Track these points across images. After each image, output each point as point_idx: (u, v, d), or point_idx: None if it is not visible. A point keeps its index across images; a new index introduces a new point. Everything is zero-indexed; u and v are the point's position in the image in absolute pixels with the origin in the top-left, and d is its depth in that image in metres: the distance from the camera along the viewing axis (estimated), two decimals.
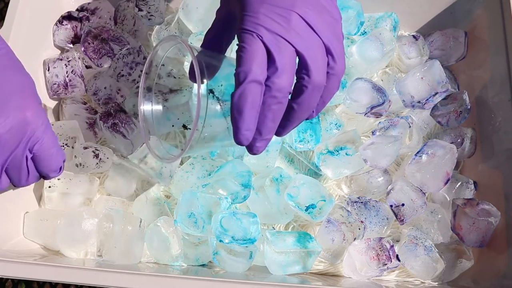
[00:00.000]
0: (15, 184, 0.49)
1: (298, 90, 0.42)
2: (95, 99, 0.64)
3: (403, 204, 0.57)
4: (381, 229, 0.58)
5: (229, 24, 0.47)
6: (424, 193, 0.57)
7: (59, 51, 0.68)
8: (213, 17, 0.62)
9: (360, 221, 0.56)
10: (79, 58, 0.65)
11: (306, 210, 0.56)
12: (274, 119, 0.42)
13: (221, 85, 0.48)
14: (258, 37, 0.41)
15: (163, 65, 0.54)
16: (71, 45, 0.67)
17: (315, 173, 0.62)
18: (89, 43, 0.64)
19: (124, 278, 0.46)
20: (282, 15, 0.41)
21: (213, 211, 0.54)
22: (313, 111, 0.46)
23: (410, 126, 0.60)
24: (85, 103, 0.64)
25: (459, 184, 0.60)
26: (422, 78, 0.60)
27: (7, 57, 0.48)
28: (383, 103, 0.59)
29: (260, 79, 0.40)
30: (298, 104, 0.43)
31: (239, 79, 0.40)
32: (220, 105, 0.48)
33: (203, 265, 0.58)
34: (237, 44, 0.42)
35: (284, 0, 0.42)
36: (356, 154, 0.59)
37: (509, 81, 0.58)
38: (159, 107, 0.56)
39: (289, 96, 0.43)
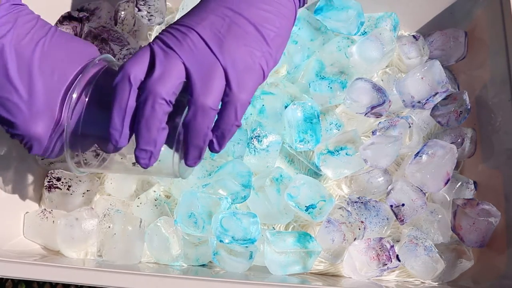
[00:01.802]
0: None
1: (187, 110, 0.41)
2: None
3: (403, 204, 0.57)
4: (381, 229, 0.58)
5: None
6: (424, 193, 0.57)
7: None
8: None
9: (360, 221, 0.56)
10: None
11: (306, 210, 0.56)
12: (148, 127, 0.40)
13: None
14: (150, 46, 0.42)
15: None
16: None
17: (315, 173, 0.62)
18: None
19: (124, 278, 0.46)
20: (182, 31, 0.42)
21: (213, 211, 0.54)
22: (212, 140, 0.43)
23: (410, 126, 0.60)
24: None
25: (459, 184, 0.60)
26: (422, 78, 0.60)
27: (57, 32, 0.47)
28: (383, 103, 0.59)
29: (130, 75, 0.40)
30: (185, 126, 0.41)
31: (116, 78, 0.41)
32: None
33: (203, 265, 0.58)
34: None
35: (191, 20, 0.42)
36: (356, 154, 0.59)
37: (509, 81, 0.58)
38: None
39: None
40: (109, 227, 0.54)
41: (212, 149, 0.43)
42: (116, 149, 0.42)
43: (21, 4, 0.47)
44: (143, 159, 0.41)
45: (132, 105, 0.40)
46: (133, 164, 0.46)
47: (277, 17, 0.44)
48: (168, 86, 0.40)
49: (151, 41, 0.42)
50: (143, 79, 0.40)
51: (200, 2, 0.45)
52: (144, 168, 0.42)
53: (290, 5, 0.46)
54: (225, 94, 0.41)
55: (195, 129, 0.41)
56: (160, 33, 0.43)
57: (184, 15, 0.44)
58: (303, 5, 0.48)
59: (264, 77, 0.43)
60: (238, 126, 0.42)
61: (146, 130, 0.40)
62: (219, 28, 0.42)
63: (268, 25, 0.43)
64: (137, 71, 0.40)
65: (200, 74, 0.40)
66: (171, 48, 0.41)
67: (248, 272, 0.55)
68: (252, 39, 0.42)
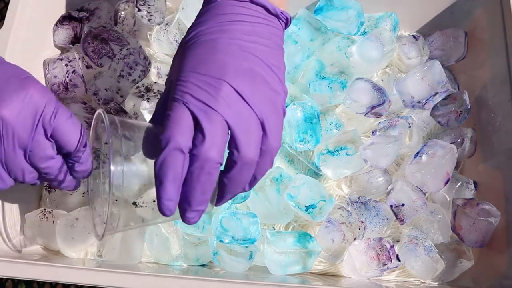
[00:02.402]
0: (43, 170, 0.45)
1: (228, 165, 0.40)
2: (95, 99, 0.64)
3: (403, 204, 0.57)
4: (381, 229, 0.58)
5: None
6: (424, 193, 0.57)
7: (59, 51, 0.68)
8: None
9: (360, 221, 0.56)
10: (79, 58, 0.65)
11: (306, 210, 0.56)
12: (203, 191, 0.39)
13: None
14: (184, 104, 0.39)
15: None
16: (71, 45, 0.67)
17: (315, 173, 0.62)
18: (89, 43, 0.64)
19: (124, 278, 0.46)
20: (211, 83, 0.39)
21: (213, 211, 0.54)
22: (246, 186, 0.43)
23: (410, 126, 0.60)
24: (85, 103, 0.64)
25: (459, 184, 0.60)
26: (422, 78, 0.60)
27: None
28: (383, 103, 0.59)
29: (182, 146, 0.38)
30: (229, 179, 0.40)
31: (160, 147, 0.38)
32: None
33: (203, 265, 0.58)
34: None
35: (214, 69, 0.40)
36: (356, 154, 0.59)
37: (509, 81, 0.58)
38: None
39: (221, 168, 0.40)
40: None
41: (243, 191, 0.43)
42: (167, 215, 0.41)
43: None
44: (193, 218, 0.41)
45: (184, 174, 0.39)
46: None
47: (278, 50, 0.43)
48: (221, 150, 0.39)
49: (178, 96, 0.39)
50: (191, 146, 0.39)
51: (203, 41, 0.42)
52: (189, 224, 0.42)
53: (281, 34, 0.45)
54: (262, 143, 0.41)
55: (239, 181, 0.41)
56: (183, 85, 0.40)
57: (196, 58, 0.41)
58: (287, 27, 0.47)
59: (284, 116, 0.43)
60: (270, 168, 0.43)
61: (201, 194, 0.39)
62: (244, 74, 0.40)
63: (275, 62, 0.42)
64: (186, 140, 0.38)
65: (241, 129, 0.39)
66: (209, 106, 0.39)
67: (248, 272, 0.55)
68: (272, 81, 0.41)
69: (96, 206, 0.50)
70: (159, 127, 0.42)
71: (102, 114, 0.42)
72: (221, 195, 0.42)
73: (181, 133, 0.38)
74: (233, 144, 0.39)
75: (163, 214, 0.39)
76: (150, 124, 0.45)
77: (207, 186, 0.39)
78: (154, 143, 0.40)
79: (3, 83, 0.42)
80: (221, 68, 0.40)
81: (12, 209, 0.57)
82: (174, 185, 0.38)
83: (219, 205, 0.44)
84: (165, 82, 0.46)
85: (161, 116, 0.43)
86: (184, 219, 0.41)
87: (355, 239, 0.55)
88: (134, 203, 0.43)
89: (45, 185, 0.59)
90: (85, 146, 0.46)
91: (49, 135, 0.43)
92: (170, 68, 0.45)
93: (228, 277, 0.49)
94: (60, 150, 0.45)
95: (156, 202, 0.39)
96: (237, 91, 0.39)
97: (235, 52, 0.41)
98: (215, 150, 0.38)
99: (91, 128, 0.47)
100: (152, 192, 0.42)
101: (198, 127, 0.38)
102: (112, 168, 0.40)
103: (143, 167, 0.44)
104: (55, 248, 0.58)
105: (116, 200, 0.41)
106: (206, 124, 0.38)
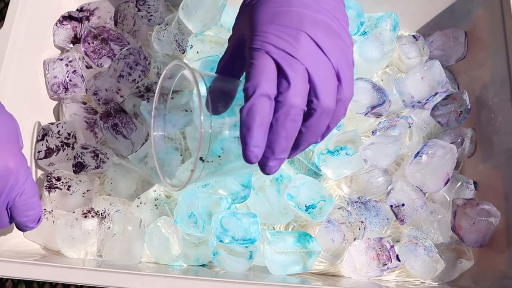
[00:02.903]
0: None
1: (307, 114, 0.41)
2: (95, 99, 0.64)
3: (403, 204, 0.57)
4: (381, 229, 0.58)
5: (241, 51, 0.45)
6: (424, 193, 0.57)
7: (59, 51, 0.68)
8: (213, 17, 0.62)
9: (360, 221, 0.56)
10: (79, 58, 0.65)
11: (306, 210, 0.56)
12: (287, 137, 0.40)
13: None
14: (267, 53, 0.40)
15: (172, 97, 0.52)
16: (71, 45, 0.67)
17: (315, 173, 0.62)
18: (89, 43, 0.64)
19: (124, 278, 0.46)
20: (291, 34, 0.40)
21: (213, 211, 0.54)
22: (319, 138, 0.44)
23: (410, 126, 0.60)
24: (85, 103, 0.64)
25: (459, 184, 0.60)
26: (422, 78, 0.60)
27: None
28: (383, 103, 0.59)
29: (269, 93, 0.39)
30: (307, 128, 0.41)
31: (247, 94, 0.39)
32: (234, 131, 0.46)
33: (203, 265, 0.58)
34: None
35: (292, 20, 0.41)
36: (356, 154, 0.59)
37: (509, 81, 0.58)
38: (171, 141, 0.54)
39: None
40: (109, 227, 0.54)
41: (315, 143, 0.45)
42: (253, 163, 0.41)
43: None
44: (275, 167, 0.42)
45: (270, 119, 0.40)
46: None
47: (341, 4, 0.44)
48: (304, 97, 0.40)
49: (258, 46, 0.40)
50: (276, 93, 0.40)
51: None
52: (268, 175, 0.43)
53: None
54: (337, 92, 0.42)
55: (316, 129, 0.42)
56: (263, 36, 0.41)
57: (271, 11, 0.42)
58: None
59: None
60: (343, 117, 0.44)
61: (285, 141, 0.40)
62: (320, 26, 0.41)
63: (342, 15, 0.43)
64: (272, 87, 0.39)
65: (320, 78, 0.40)
66: (290, 55, 0.40)
67: (248, 272, 0.55)
68: (342, 34, 0.42)
69: (160, 155, 0.51)
70: (229, 78, 0.45)
71: (186, 65, 0.44)
72: (296, 145, 0.43)
73: (267, 80, 0.39)
74: (312, 92, 0.40)
75: (249, 161, 0.40)
76: (220, 76, 0.47)
77: (291, 133, 0.40)
78: (223, 96, 0.42)
79: None
80: (298, 19, 0.41)
81: None
82: (261, 130, 0.39)
83: (292, 157, 0.44)
84: (228, 39, 0.47)
85: (228, 72, 0.47)
86: (266, 168, 0.41)
87: (355, 239, 0.55)
88: (201, 159, 0.44)
89: (45, 185, 0.59)
90: (38, 222, 0.49)
91: (7, 207, 0.45)
92: (235, 26, 0.46)
93: (228, 277, 0.49)
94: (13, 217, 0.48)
95: (221, 158, 0.41)
96: (315, 42, 0.40)
97: (309, 4, 0.42)
98: (299, 97, 0.39)
99: (161, 78, 0.49)
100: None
101: (281, 75, 0.39)
102: (202, 118, 0.41)
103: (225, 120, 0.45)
104: (55, 248, 0.57)
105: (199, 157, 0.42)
106: (290, 71, 0.39)
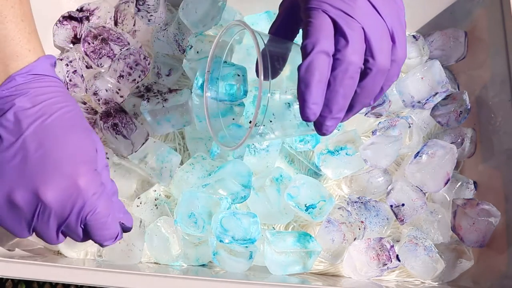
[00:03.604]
0: (73, 239, 0.47)
1: (362, 73, 0.41)
2: (95, 99, 0.64)
3: (403, 204, 0.57)
4: (381, 229, 0.58)
5: (293, 15, 0.46)
6: (424, 193, 0.57)
7: (59, 51, 0.68)
8: (213, 17, 0.62)
9: (360, 221, 0.56)
10: (79, 58, 0.65)
11: (306, 210, 0.56)
12: (345, 95, 0.41)
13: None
14: (324, 12, 0.40)
15: (231, 51, 0.53)
16: (71, 45, 0.67)
17: (315, 173, 0.62)
18: (89, 43, 0.64)
19: (124, 278, 0.46)
20: None
21: (213, 211, 0.54)
22: (372, 99, 0.44)
23: (410, 126, 0.60)
24: (85, 103, 0.64)
25: (459, 184, 0.60)
26: (422, 78, 0.60)
27: (68, 116, 0.45)
28: (383, 103, 0.59)
29: (327, 50, 0.39)
30: (362, 88, 0.42)
31: (306, 51, 0.39)
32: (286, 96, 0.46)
33: (203, 265, 0.57)
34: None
35: None
36: (356, 154, 0.59)
37: (509, 81, 0.58)
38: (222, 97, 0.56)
39: None
40: None
41: (367, 106, 0.45)
42: (310, 120, 0.42)
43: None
44: (331, 126, 0.42)
45: (328, 76, 0.40)
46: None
47: None
48: (362, 55, 0.40)
49: (315, 5, 0.41)
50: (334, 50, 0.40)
51: None
52: (324, 135, 0.43)
53: None
54: (392, 53, 0.42)
55: (371, 89, 0.42)
56: None
57: None
58: None
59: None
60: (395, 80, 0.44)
61: (343, 99, 0.41)
62: None
63: None
64: (330, 45, 0.40)
65: (376, 37, 0.41)
66: (347, 14, 0.40)
67: (248, 272, 0.55)
68: None
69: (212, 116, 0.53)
70: (283, 40, 0.46)
71: (245, 24, 0.45)
72: (350, 106, 0.43)
73: (325, 37, 0.39)
74: (368, 52, 0.41)
75: (307, 118, 0.40)
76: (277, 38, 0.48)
77: (348, 91, 0.41)
78: (278, 58, 0.43)
79: (57, 161, 0.42)
80: None
81: None
82: (320, 87, 0.40)
83: (345, 120, 0.45)
84: (279, 4, 0.47)
85: (283, 31, 0.47)
86: (323, 128, 0.42)
87: (355, 239, 0.55)
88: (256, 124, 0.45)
89: None
90: (115, 239, 0.47)
91: (81, 225, 0.44)
92: None
93: (228, 277, 0.49)
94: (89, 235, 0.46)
95: (273, 122, 0.43)
96: (370, 2, 0.41)
97: None
98: (357, 55, 0.40)
99: (217, 37, 0.50)
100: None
101: (339, 33, 0.40)
102: (261, 78, 0.42)
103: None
104: (55, 248, 0.58)
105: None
106: (348, 29, 0.39)
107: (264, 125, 0.46)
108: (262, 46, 0.43)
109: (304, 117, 0.41)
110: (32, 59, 0.45)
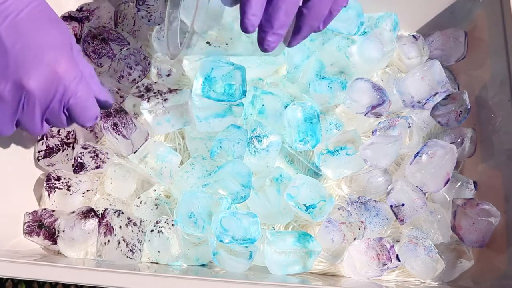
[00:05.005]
0: (57, 127, 0.50)
1: None
2: None
3: (403, 204, 0.57)
4: (381, 229, 0.58)
5: None
6: (424, 193, 0.57)
7: None
8: (213, 16, 0.62)
9: (360, 221, 0.56)
10: None
11: (306, 210, 0.56)
12: (287, 12, 0.41)
13: None
14: None
15: None
16: None
17: (315, 173, 0.62)
18: (89, 43, 0.64)
19: (124, 278, 0.46)
20: None
21: (213, 211, 0.54)
22: (321, 23, 0.45)
23: (410, 126, 0.60)
24: None
25: (459, 184, 0.60)
26: (422, 78, 0.60)
27: (38, 9, 0.46)
28: (383, 103, 0.59)
29: None
30: (308, 9, 0.42)
31: None
32: None
33: (203, 265, 0.58)
34: None
35: None
36: (356, 154, 0.59)
37: (509, 81, 0.58)
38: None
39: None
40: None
41: (316, 30, 0.45)
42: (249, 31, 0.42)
43: None
44: (273, 42, 0.43)
45: None
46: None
47: None
48: None
49: None
50: None
51: None
52: (266, 52, 0.44)
53: None
54: None
55: (318, 11, 0.42)
56: None
57: None
58: None
59: None
60: (345, 6, 0.45)
61: (284, 15, 0.41)
62: None
63: None
64: None
65: None
66: None
67: (248, 272, 0.55)
68: None
69: (172, 29, 0.54)
70: None
71: None
72: (297, 30, 0.44)
73: None
74: None
75: (246, 29, 0.41)
76: None
77: (290, 8, 0.41)
78: None
79: (36, 51, 0.44)
80: None
81: (12, 209, 0.57)
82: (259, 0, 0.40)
83: (293, 44, 0.45)
84: None
85: None
86: (264, 43, 0.43)
87: (355, 239, 0.55)
88: (208, 43, 0.46)
89: (44, 185, 0.59)
90: (95, 120, 0.50)
91: (64, 109, 0.46)
92: None
93: (228, 277, 0.49)
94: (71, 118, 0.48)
95: (229, 45, 0.44)
96: None
97: None
98: None
99: None
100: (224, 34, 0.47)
101: None
102: None
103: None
104: (55, 248, 0.58)
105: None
106: None
107: (218, 46, 0.46)
108: None
109: (243, 27, 0.41)
110: None
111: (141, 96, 0.61)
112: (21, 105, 0.44)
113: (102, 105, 0.51)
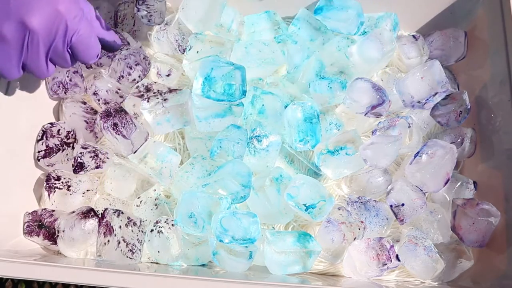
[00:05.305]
0: (61, 67, 0.52)
1: None
2: (95, 99, 0.64)
3: (403, 204, 0.57)
4: (381, 229, 0.58)
5: None
6: (424, 193, 0.57)
7: None
8: (213, 16, 0.62)
9: (360, 221, 0.56)
10: None
11: (306, 210, 0.56)
12: None
13: None
14: None
15: None
16: None
17: (315, 173, 0.62)
18: None
19: (124, 278, 0.46)
20: None
21: (213, 211, 0.54)
22: None
23: (410, 126, 0.60)
24: (85, 103, 0.64)
25: (459, 184, 0.60)
26: (422, 78, 0.60)
27: None
28: (383, 103, 0.59)
29: None
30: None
31: None
32: None
33: (203, 265, 0.58)
34: None
35: None
36: (356, 154, 0.59)
37: (509, 81, 0.58)
38: None
39: None
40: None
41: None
42: None
43: None
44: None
45: None
46: None
47: None
48: None
49: None
50: None
51: None
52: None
53: None
54: None
55: None
56: None
57: None
58: None
59: None
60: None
61: None
62: None
63: None
64: None
65: None
66: None
67: (248, 272, 0.55)
68: None
69: None
70: None
71: None
72: None
73: None
74: None
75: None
76: None
77: None
78: None
79: None
80: None
81: (12, 209, 0.57)
82: None
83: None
84: None
85: None
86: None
87: (355, 239, 0.55)
88: None
89: (44, 185, 0.59)
90: (96, 57, 0.53)
91: (67, 47, 0.48)
92: None
93: (228, 277, 0.49)
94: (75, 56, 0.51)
95: None
96: None
97: None
98: None
99: None
100: None
101: None
102: None
103: None
104: (55, 248, 0.58)
105: None
106: None
107: None
108: None
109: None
110: None
111: (141, 96, 0.61)
112: (25, 45, 0.46)
113: (111, 45, 0.53)
